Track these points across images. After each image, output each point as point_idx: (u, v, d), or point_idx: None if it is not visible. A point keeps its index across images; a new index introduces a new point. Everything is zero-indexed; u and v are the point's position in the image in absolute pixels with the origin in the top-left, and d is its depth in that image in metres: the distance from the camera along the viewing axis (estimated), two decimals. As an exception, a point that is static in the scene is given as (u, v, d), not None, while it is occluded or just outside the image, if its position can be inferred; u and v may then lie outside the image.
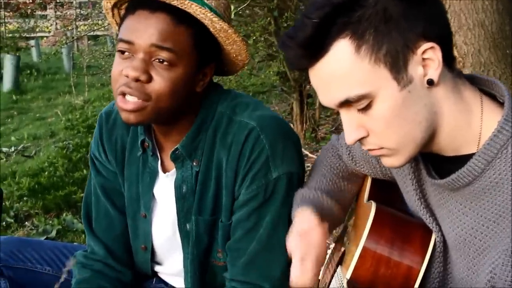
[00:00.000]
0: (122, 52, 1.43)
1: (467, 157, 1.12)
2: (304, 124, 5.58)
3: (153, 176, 1.63)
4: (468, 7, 2.66)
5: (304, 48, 1.08)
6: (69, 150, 5.53)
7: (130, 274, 1.72)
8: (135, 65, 1.40)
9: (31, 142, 6.70)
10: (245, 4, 4.63)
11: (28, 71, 12.34)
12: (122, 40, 1.43)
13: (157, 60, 1.41)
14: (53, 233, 3.67)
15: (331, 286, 1.50)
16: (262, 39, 5.22)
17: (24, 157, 6.01)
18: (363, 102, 1.08)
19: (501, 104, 1.14)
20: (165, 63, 1.41)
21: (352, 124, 1.12)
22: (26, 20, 14.73)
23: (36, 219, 3.93)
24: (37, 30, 15.71)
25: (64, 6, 14.39)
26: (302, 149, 1.63)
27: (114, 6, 1.53)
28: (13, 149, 6.28)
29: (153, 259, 1.72)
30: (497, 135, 1.08)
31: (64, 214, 3.97)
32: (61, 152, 5.43)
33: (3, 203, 4.01)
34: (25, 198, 4.34)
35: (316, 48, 1.08)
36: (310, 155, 4.71)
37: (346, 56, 1.06)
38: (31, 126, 7.83)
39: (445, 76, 1.10)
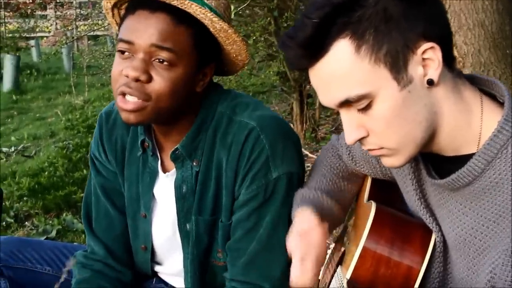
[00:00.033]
0: (122, 52, 1.43)
1: (467, 157, 1.12)
2: (304, 124, 5.57)
3: (153, 176, 1.63)
4: (468, 7, 2.65)
5: (304, 48, 1.08)
6: (69, 150, 5.53)
7: (130, 274, 1.72)
8: (135, 65, 1.40)
9: (31, 142, 6.70)
10: (245, 4, 4.63)
11: (28, 71, 12.33)
12: (122, 40, 1.42)
13: (157, 60, 1.41)
14: (53, 233, 3.67)
15: (331, 286, 1.50)
16: (262, 39, 5.22)
17: (24, 157, 6.01)
18: (363, 102, 1.08)
19: (501, 104, 1.14)
20: (165, 63, 1.40)
21: (352, 124, 1.12)
22: (26, 20, 14.73)
23: (36, 219, 3.93)
24: (37, 30, 15.71)
25: (64, 6, 14.39)
26: (302, 149, 1.63)
27: (114, 6, 1.53)
28: (13, 149, 6.28)
29: (153, 259, 1.72)
30: (497, 135, 1.08)
31: (64, 214, 3.97)
32: (61, 152, 5.43)
33: (3, 203, 4.01)
34: (25, 198, 4.34)
35: (316, 48, 1.08)
36: (310, 155, 4.71)
37: (346, 56, 1.06)
38: (31, 126, 7.83)
39: (445, 76, 1.10)
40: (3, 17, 13.49)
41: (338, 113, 1.32)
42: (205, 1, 1.44)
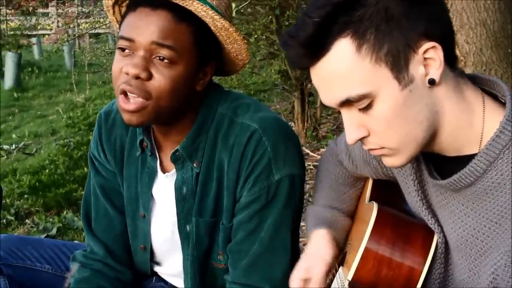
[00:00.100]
0: (123, 49, 1.42)
1: (469, 158, 1.11)
2: (305, 123, 5.57)
3: (152, 176, 1.62)
4: (470, 6, 2.64)
5: (305, 47, 1.08)
6: (70, 148, 5.54)
7: (129, 273, 1.71)
8: (135, 63, 1.39)
9: (32, 140, 6.70)
10: (247, 2, 4.62)
11: (30, 69, 12.35)
12: (122, 38, 1.42)
13: (158, 58, 1.40)
14: (54, 231, 3.68)
15: (332, 287, 1.49)
16: (264, 37, 5.21)
17: (25, 154, 6.01)
18: (364, 102, 1.08)
19: (502, 104, 1.13)
20: (165, 60, 1.40)
21: (353, 123, 1.12)
22: (28, 17, 14.75)
23: (37, 217, 3.93)
24: (39, 27, 15.72)
25: (66, 4, 14.41)
26: (303, 148, 1.63)
27: (115, 3, 1.52)
28: (14, 146, 6.28)
29: (152, 259, 1.71)
30: (499, 136, 1.08)
31: (65, 212, 3.98)
32: (62, 150, 5.44)
33: (4, 201, 4.01)
34: (25, 196, 4.35)
35: (317, 47, 1.07)
36: (311, 153, 4.70)
37: (347, 55, 1.05)
38: (32, 123, 7.83)
39: (446, 75, 1.09)
40: (5, 14, 13.49)
41: (339, 112, 1.32)
42: (207, -1, 1.43)
